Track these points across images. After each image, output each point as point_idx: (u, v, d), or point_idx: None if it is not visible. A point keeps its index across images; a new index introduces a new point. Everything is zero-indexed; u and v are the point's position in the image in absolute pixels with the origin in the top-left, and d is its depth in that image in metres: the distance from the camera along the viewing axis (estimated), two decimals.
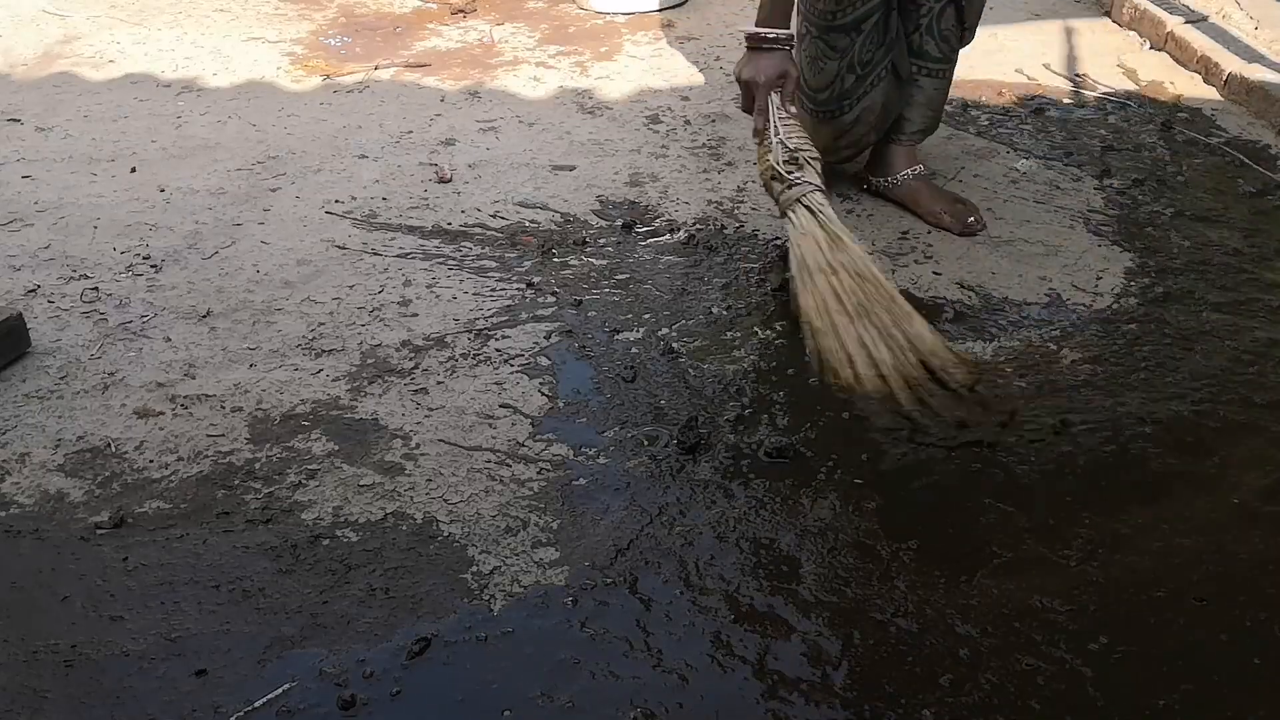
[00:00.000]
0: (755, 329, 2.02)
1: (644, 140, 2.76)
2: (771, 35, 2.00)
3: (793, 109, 2.04)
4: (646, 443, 1.75)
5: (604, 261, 2.24)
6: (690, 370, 1.91)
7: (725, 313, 2.07)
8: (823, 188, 1.95)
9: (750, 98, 2.05)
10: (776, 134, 1.99)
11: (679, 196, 2.49)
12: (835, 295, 1.81)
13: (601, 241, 2.32)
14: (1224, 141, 2.69)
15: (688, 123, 2.85)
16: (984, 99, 2.95)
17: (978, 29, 2.36)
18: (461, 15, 3.66)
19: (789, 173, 1.95)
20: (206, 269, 2.23)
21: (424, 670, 1.38)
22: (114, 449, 1.75)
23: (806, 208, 1.91)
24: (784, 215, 1.96)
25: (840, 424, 1.79)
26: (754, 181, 2.55)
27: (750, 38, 2.03)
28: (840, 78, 2.22)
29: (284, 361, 1.95)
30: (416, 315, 2.08)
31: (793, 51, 2.04)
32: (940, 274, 2.18)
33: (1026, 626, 1.43)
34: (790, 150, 1.97)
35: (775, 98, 2.02)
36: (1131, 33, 3.35)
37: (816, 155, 2.02)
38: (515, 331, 2.02)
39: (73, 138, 2.79)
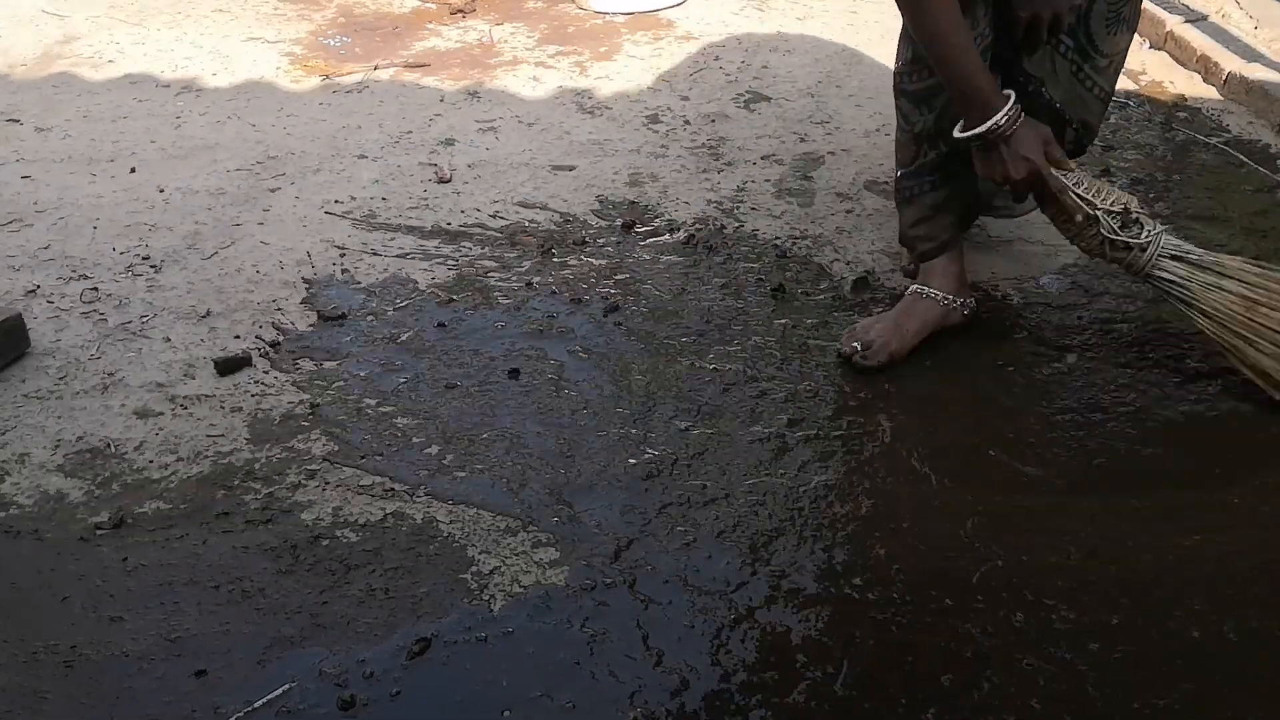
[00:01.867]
0: (754, 328, 2.02)
1: (643, 140, 2.75)
2: (1014, 113, 1.76)
3: (1072, 164, 1.84)
4: (646, 442, 1.75)
5: (603, 261, 2.24)
6: (691, 370, 1.91)
7: (725, 312, 2.07)
8: (1165, 227, 1.82)
9: (1042, 184, 1.80)
10: (1092, 205, 1.79)
11: (678, 196, 2.48)
12: (1267, 327, 1.74)
13: (601, 241, 2.32)
14: (1223, 141, 2.69)
15: (687, 123, 2.85)
16: None
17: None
18: (461, 15, 3.66)
19: (1132, 237, 1.79)
20: (206, 269, 2.23)
21: (424, 670, 1.38)
22: (114, 449, 1.75)
23: (1173, 258, 1.79)
24: (1148, 278, 1.82)
25: (839, 409, 1.79)
26: (753, 181, 2.55)
27: (1002, 129, 1.76)
28: (920, 152, 1.97)
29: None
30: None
31: (1019, 110, 1.78)
32: None
33: (1026, 626, 1.43)
34: (1116, 214, 1.79)
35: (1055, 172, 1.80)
36: None
37: (1129, 197, 1.83)
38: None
39: (72, 138, 2.79)
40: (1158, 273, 1.80)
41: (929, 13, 1.75)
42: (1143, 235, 1.78)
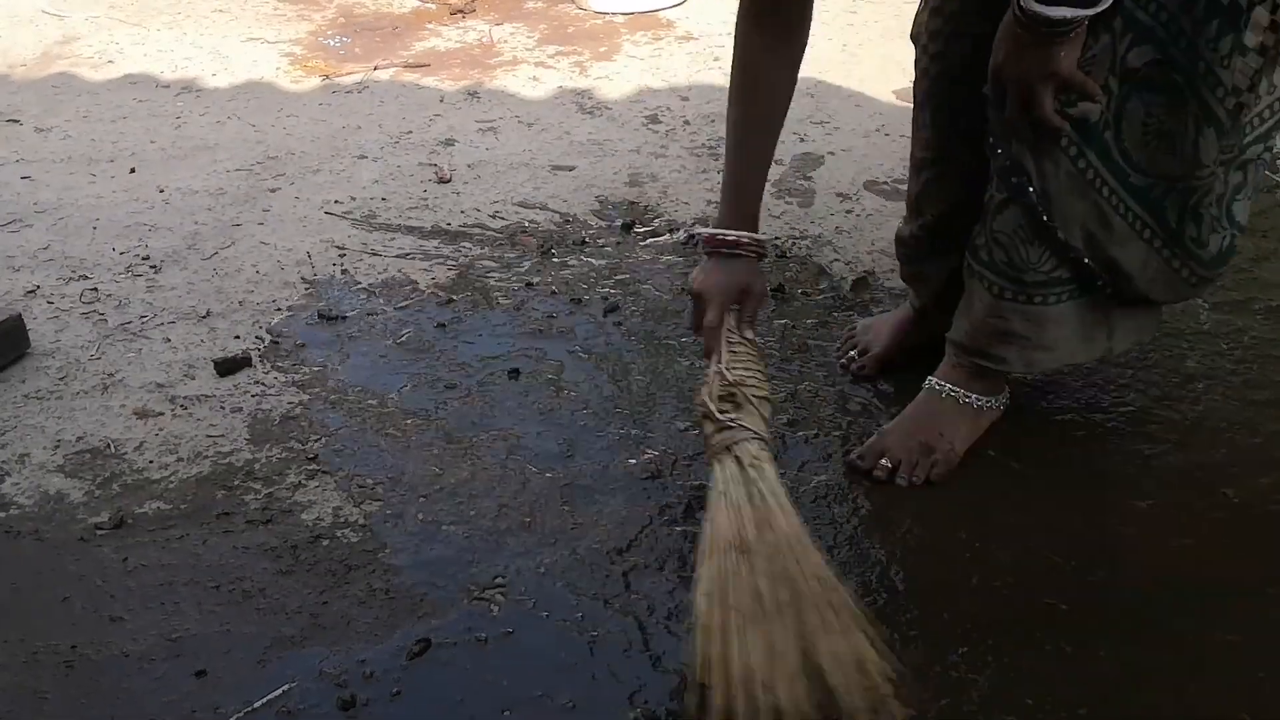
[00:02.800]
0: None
1: (643, 140, 2.76)
2: (732, 239, 1.59)
3: (750, 334, 1.61)
4: (645, 442, 1.75)
5: (603, 261, 2.24)
6: (691, 370, 1.91)
7: None
8: (763, 437, 1.49)
9: (701, 314, 1.59)
10: (719, 360, 1.57)
11: (678, 196, 2.49)
12: (744, 586, 1.31)
13: (601, 241, 2.32)
14: None
15: (687, 123, 2.85)
16: None
17: None
18: (460, 15, 3.66)
19: (721, 411, 1.52)
20: (206, 269, 2.23)
21: (424, 670, 1.38)
22: (114, 449, 1.75)
23: (737, 460, 1.47)
24: (709, 463, 1.51)
25: (839, 409, 1.79)
26: None
27: (708, 241, 1.61)
28: (914, 218, 1.83)
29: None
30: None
31: (756, 261, 1.62)
32: None
33: (1026, 626, 1.43)
34: (729, 384, 1.54)
35: (730, 318, 1.60)
36: None
37: (765, 394, 1.57)
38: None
39: (72, 138, 2.79)
40: (716, 465, 1.48)
41: (742, 68, 1.58)
42: (730, 419, 1.50)
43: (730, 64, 1.59)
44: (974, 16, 1.57)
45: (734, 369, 1.57)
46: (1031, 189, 1.51)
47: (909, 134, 1.82)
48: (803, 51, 1.58)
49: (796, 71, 1.60)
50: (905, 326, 1.88)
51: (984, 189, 1.60)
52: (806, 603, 1.30)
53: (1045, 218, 1.52)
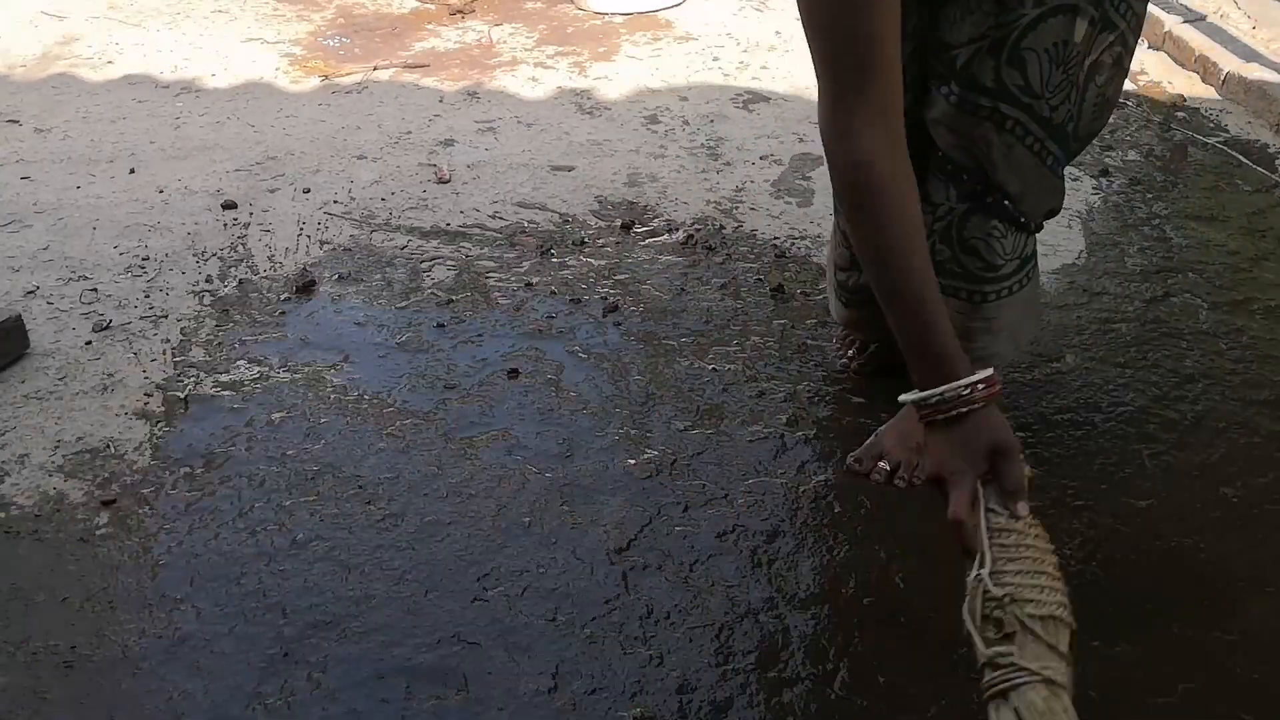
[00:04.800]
0: (753, 328, 2.03)
1: (642, 140, 2.76)
2: (952, 395, 1.22)
3: (1024, 507, 1.20)
4: (645, 442, 1.75)
5: (602, 261, 2.24)
6: (690, 369, 1.91)
7: (724, 312, 2.07)
8: (1050, 675, 1.09)
9: (959, 497, 1.22)
10: (982, 564, 1.17)
11: (677, 196, 2.49)
12: None
13: (600, 242, 2.32)
14: (1222, 141, 2.69)
15: (686, 123, 2.85)
16: None
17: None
18: (460, 16, 3.66)
19: (987, 640, 1.13)
20: (205, 269, 2.23)
21: (424, 670, 1.38)
22: (113, 449, 1.75)
23: (1016, 712, 1.09)
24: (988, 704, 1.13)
25: (839, 409, 1.79)
26: (752, 181, 2.55)
27: (924, 411, 1.25)
28: (858, 269, 1.72)
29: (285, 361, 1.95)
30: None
31: (993, 408, 1.24)
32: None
33: None
34: (995, 601, 1.14)
35: (991, 496, 1.21)
36: None
37: (1051, 605, 1.15)
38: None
39: (71, 139, 2.79)
40: (990, 709, 1.12)
41: (875, 226, 1.27)
42: (1002, 656, 1.12)
43: (838, 185, 1.38)
44: None
45: (1003, 576, 1.16)
46: (1007, 202, 1.53)
47: None
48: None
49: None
50: None
51: None
52: None
53: (1021, 216, 1.56)
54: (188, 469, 1.71)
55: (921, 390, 1.25)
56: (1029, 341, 1.76)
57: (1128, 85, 3.01)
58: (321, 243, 2.32)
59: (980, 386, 1.22)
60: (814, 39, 1.27)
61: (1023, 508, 1.20)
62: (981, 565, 1.16)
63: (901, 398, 1.28)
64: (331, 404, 1.85)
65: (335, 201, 2.48)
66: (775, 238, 2.31)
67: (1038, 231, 1.61)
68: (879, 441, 1.64)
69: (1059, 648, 1.12)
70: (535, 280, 2.18)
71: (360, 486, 1.67)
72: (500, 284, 2.17)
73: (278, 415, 1.82)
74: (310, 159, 2.68)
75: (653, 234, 2.34)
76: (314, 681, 1.37)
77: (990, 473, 1.21)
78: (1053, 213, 1.61)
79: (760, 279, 2.17)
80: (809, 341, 1.99)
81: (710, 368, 1.92)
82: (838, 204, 1.74)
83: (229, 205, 2.46)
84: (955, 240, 1.56)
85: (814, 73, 1.28)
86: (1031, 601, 1.14)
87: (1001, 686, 1.10)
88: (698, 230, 2.34)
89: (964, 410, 1.22)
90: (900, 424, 1.66)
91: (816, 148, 2.69)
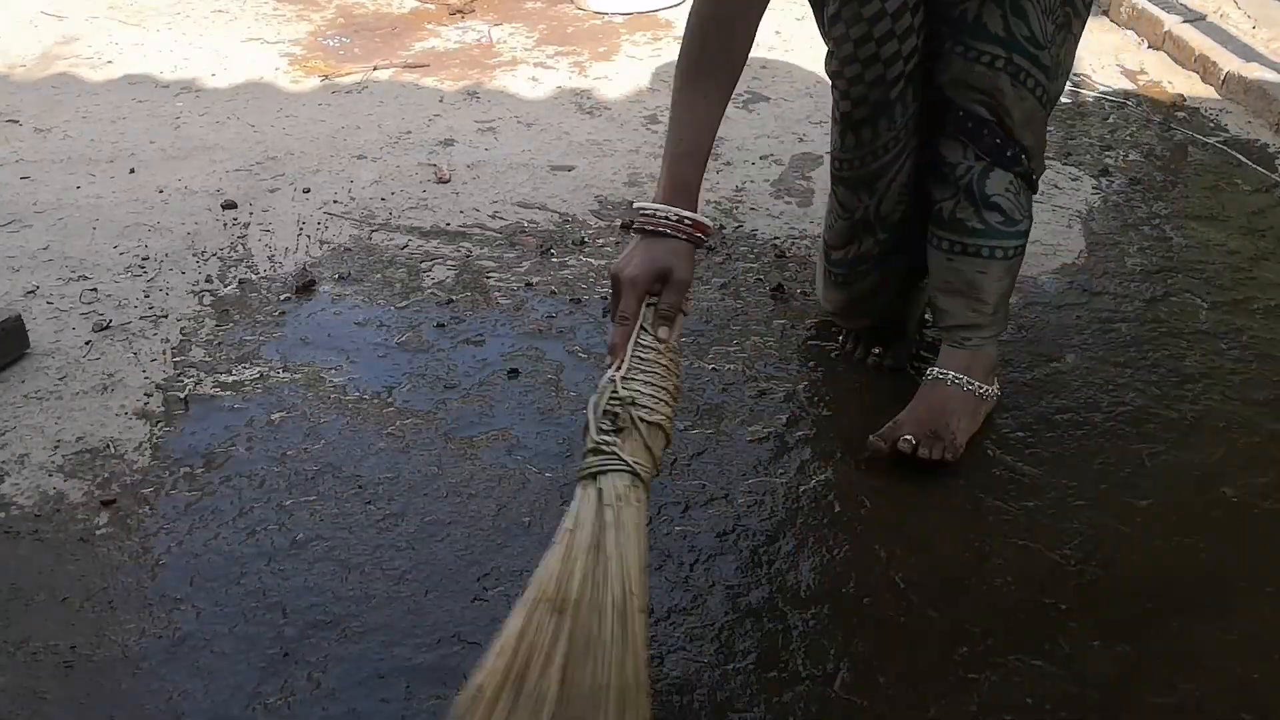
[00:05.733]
0: (753, 328, 2.02)
1: (642, 140, 2.76)
2: (660, 214, 1.37)
3: (665, 332, 1.36)
4: None
5: (602, 261, 2.24)
6: (690, 369, 1.91)
7: (724, 312, 2.07)
8: (636, 471, 1.27)
9: (612, 299, 1.39)
10: (618, 367, 1.32)
11: None
12: (538, 660, 1.15)
13: (600, 241, 2.32)
14: (1222, 140, 2.69)
15: None
16: None
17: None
18: (460, 15, 3.66)
19: (601, 429, 1.29)
20: (205, 269, 2.23)
21: (425, 671, 1.38)
22: (113, 450, 1.75)
23: (599, 493, 1.26)
24: (578, 484, 1.30)
25: (839, 410, 1.79)
26: (752, 181, 2.55)
27: (637, 217, 1.40)
28: (857, 240, 1.79)
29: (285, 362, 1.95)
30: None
31: (688, 245, 1.39)
32: None
33: (1026, 626, 1.43)
34: (619, 400, 1.30)
35: (648, 311, 1.36)
36: (1129, 32, 3.36)
37: (660, 419, 1.32)
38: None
39: (71, 139, 2.79)
40: (579, 490, 1.28)
41: (693, 38, 1.45)
42: (606, 442, 1.28)
43: (695, 16, 1.45)
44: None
45: (631, 380, 1.32)
46: (1024, 156, 1.66)
47: None
48: None
49: (762, 11, 1.47)
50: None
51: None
52: (595, 691, 1.14)
53: (1032, 173, 1.69)
54: (188, 469, 1.71)
55: (653, 201, 1.40)
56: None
57: (1128, 84, 3.02)
58: (321, 243, 2.32)
59: (689, 223, 1.39)
60: None
61: (664, 332, 1.35)
62: (618, 369, 1.32)
63: (636, 205, 1.43)
64: (331, 404, 1.85)
65: (335, 201, 2.48)
66: (775, 238, 2.31)
67: (1035, 191, 1.72)
68: (896, 427, 1.69)
69: (654, 451, 1.31)
70: (535, 280, 2.18)
71: (360, 486, 1.67)
72: (500, 284, 2.17)
73: (278, 415, 1.82)
74: (310, 159, 2.68)
75: None
76: (314, 681, 1.37)
77: (655, 292, 1.36)
78: (1043, 168, 1.74)
79: (760, 279, 2.17)
80: (809, 341, 1.99)
81: (710, 368, 1.92)
82: (830, 189, 1.81)
83: (229, 205, 2.46)
84: (978, 197, 1.65)
85: None
86: (646, 408, 1.31)
87: (595, 469, 1.28)
88: None
89: (667, 232, 1.37)
90: (916, 409, 1.71)
91: (817, 148, 2.69)
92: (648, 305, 1.36)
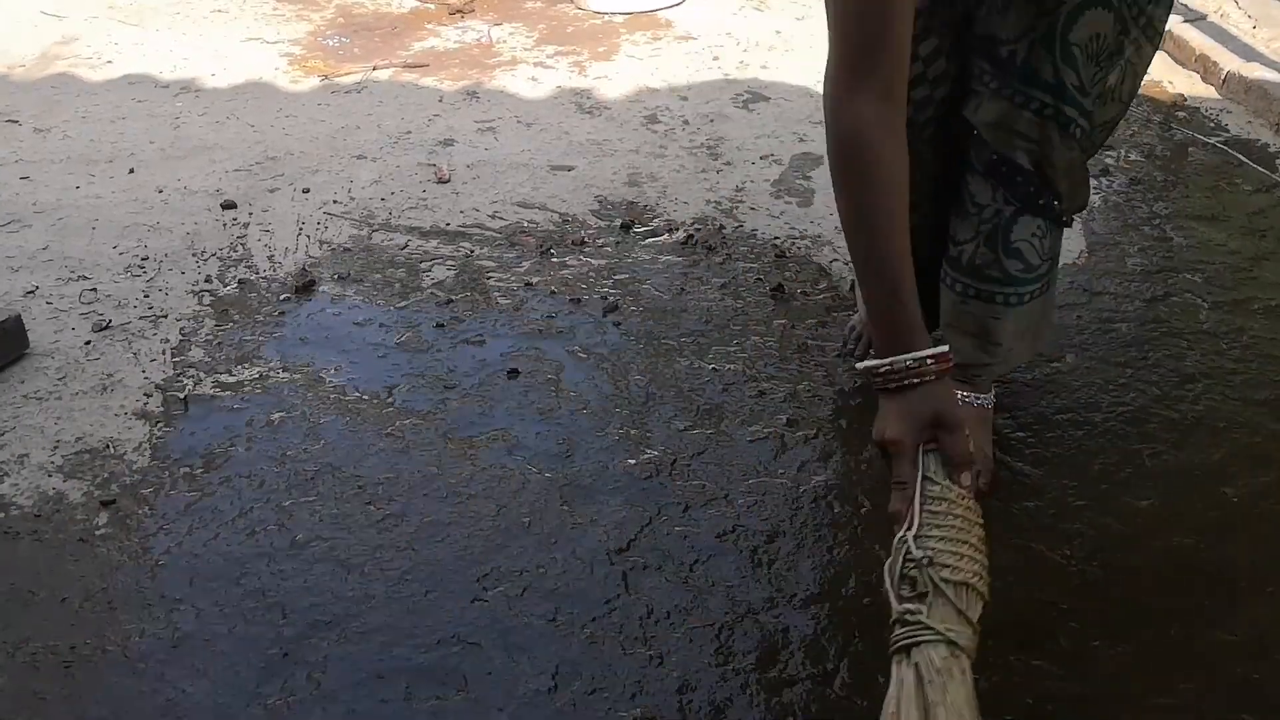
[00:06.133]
0: (753, 328, 2.02)
1: (642, 140, 2.75)
2: (896, 368, 1.25)
3: (965, 482, 1.24)
4: (645, 442, 1.75)
5: (602, 261, 2.24)
6: (690, 369, 1.91)
7: (724, 312, 2.07)
8: (953, 638, 1.14)
9: (886, 462, 1.27)
10: (909, 526, 1.21)
11: (677, 196, 2.48)
12: None
13: (600, 241, 2.32)
14: (1222, 140, 2.69)
15: (686, 123, 2.85)
16: None
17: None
18: (459, 15, 3.66)
19: (902, 598, 1.18)
20: (205, 269, 2.23)
21: (425, 671, 1.38)
22: (113, 450, 1.75)
23: (916, 670, 1.14)
24: (891, 658, 1.19)
25: (839, 409, 1.79)
26: (752, 181, 2.55)
27: (877, 378, 1.27)
28: None
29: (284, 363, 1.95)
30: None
31: (940, 383, 1.26)
32: None
33: (1026, 626, 1.43)
34: (914, 561, 1.18)
35: (929, 461, 1.24)
36: None
37: (967, 573, 1.18)
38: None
39: (71, 139, 2.79)
40: (895, 667, 1.18)
41: (858, 191, 1.30)
42: (911, 613, 1.17)
43: (830, 149, 1.33)
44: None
45: (926, 539, 1.19)
46: (1057, 202, 1.53)
47: None
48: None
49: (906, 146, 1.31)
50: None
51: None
52: None
53: (1064, 215, 1.56)
54: (187, 469, 1.71)
55: (880, 358, 1.28)
56: (1045, 343, 1.77)
57: None
58: (321, 243, 2.32)
59: (931, 361, 1.25)
60: (831, 8, 1.32)
61: (965, 478, 1.24)
62: (909, 528, 1.20)
63: (859, 365, 1.32)
64: (331, 404, 1.85)
65: (335, 201, 2.48)
66: (775, 238, 2.31)
67: (1069, 226, 1.61)
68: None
69: (968, 614, 1.16)
70: (535, 280, 2.18)
71: (360, 486, 1.67)
72: (500, 284, 2.17)
73: (277, 415, 1.82)
74: (310, 159, 2.68)
75: (653, 234, 2.34)
76: (314, 681, 1.37)
77: (933, 442, 1.25)
78: (1084, 206, 1.61)
79: (760, 279, 2.17)
80: (809, 341, 1.99)
81: (710, 368, 1.92)
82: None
83: (228, 205, 2.46)
84: (1000, 243, 1.55)
85: (828, 40, 1.32)
86: (948, 567, 1.17)
87: (905, 643, 1.15)
88: (698, 230, 2.34)
89: (915, 381, 1.25)
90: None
91: (816, 147, 2.69)
92: (926, 453, 1.25)
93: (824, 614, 1.46)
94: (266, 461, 1.72)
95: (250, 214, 2.43)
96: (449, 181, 2.57)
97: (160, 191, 2.53)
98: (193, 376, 1.92)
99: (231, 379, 1.91)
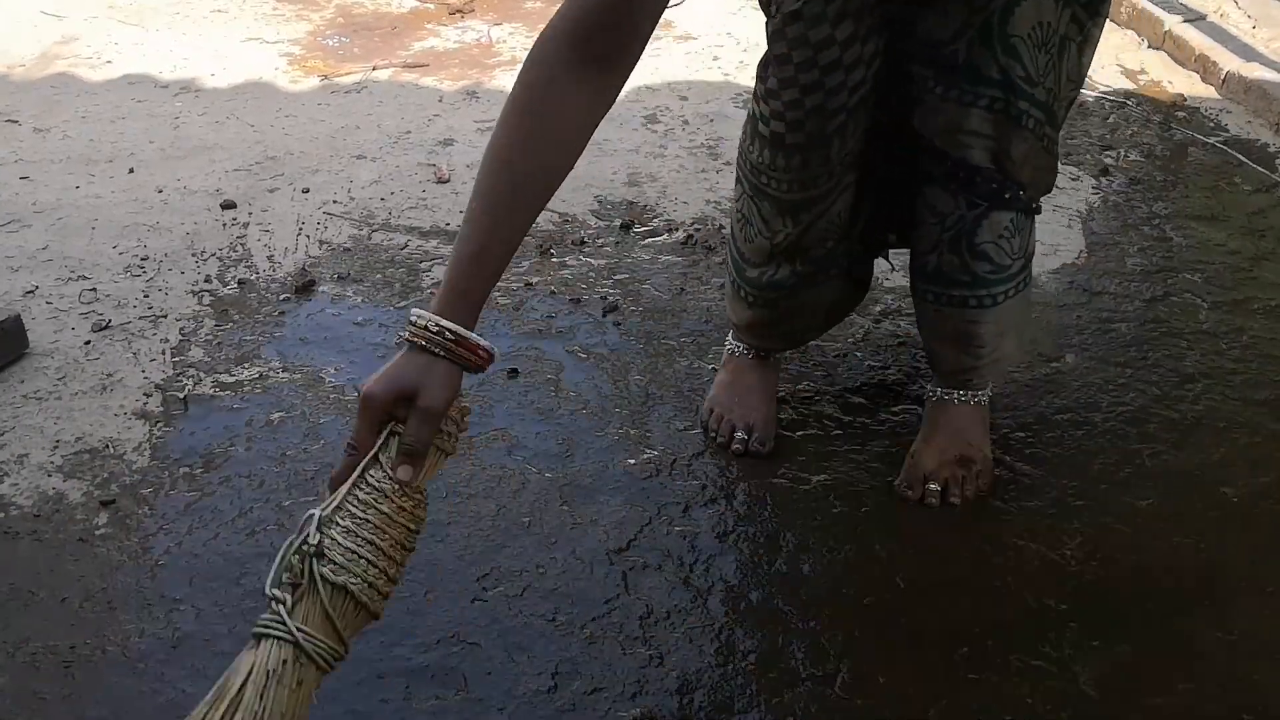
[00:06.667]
0: None
1: (642, 140, 2.75)
2: (420, 323, 1.12)
3: (406, 472, 1.11)
4: (645, 442, 1.75)
5: (602, 261, 2.24)
6: (690, 369, 1.91)
7: (724, 312, 2.07)
8: (305, 645, 1.02)
9: (360, 427, 1.13)
10: (326, 505, 1.08)
11: (677, 196, 2.48)
12: None
13: (599, 241, 2.32)
14: (1222, 140, 2.69)
15: (686, 122, 2.85)
16: None
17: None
18: (459, 15, 3.66)
19: (275, 583, 1.05)
20: (204, 270, 2.23)
21: (425, 672, 1.38)
22: (112, 450, 1.75)
23: (252, 664, 1.02)
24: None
25: (839, 409, 1.79)
26: None
27: (411, 325, 1.13)
28: (774, 264, 1.63)
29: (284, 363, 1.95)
30: None
31: (448, 365, 1.12)
32: None
33: (1026, 626, 1.43)
34: (308, 547, 1.05)
35: (392, 444, 1.12)
36: (1129, 31, 3.36)
37: (359, 581, 1.06)
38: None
39: (70, 139, 2.79)
40: (249, 653, 1.04)
41: (516, 115, 1.20)
42: (275, 599, 1.03)
43: (513, 93, 1.20)
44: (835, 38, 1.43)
45: (333, 525, 1.07)
46: (1021, 193, 1.53)
47: None
48: (610, 104, 1.21)
49: (593, 129, 1.21)
50: (774, 383, 1.80)
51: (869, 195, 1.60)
52: None
53: (1032, 203, 1.56)
54: (187, 469, 1.71)
55: (433, 309, 1.14)
56: (1030, 340, 1.76)
57: (1128, 84, 3.01)
58: (321, 243, 2.32)
59: (449, 336, 1.11)
60: None
61: (404, 472, 1.10)
62: (324, 507, 1.07)
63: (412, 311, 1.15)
64: (331, 404, 1.84)
65: (335, 201, 2.48)
66: None
67: (1039, 213, 1.61)
68: (917, 464, 1.64)
69: (339, 625, 1.04)
70: (535, 280, 2.18)
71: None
72: (500, 284, 2.17)
73: (277, 415, 1.82)
74: (309, 159, 2.67)
75: (652, 234, 2.34)
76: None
77: (400, 415, 1.11)
78: (1050, 189, 1.61)
79: None
80: (809, 342, 1.98)
81: (710, 368, 1.92)
82: (743, 190, 1.64)
83: (228, 205, 2.46)
84: (965, 248, 1.54)
85: None
86: (338, 565, 1.05)
87: (258, 629, 1.03)
88: (698, 230, 2.34)
89: (423, 345, 1.11)
90: (932, 439, 1.65)
91: None
92: (394, 434, 1.11)
93: (824, 614, 1.46)
94: (266, 461, 1.72)
95: (250, 214, 2.43)
96: (449, 181, 2.57)
97: (160, 191, 2.53)
98: (192, 376, 1.92)
99: (231, 379, 1.91)
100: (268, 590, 1.04)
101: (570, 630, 1.43)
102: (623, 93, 1.23)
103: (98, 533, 1.59)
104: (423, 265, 2.23)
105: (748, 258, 1.67)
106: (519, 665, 1.39)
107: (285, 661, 1.01)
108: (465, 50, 3.38)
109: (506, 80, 3.12)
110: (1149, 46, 3.24)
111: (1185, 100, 2.91)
